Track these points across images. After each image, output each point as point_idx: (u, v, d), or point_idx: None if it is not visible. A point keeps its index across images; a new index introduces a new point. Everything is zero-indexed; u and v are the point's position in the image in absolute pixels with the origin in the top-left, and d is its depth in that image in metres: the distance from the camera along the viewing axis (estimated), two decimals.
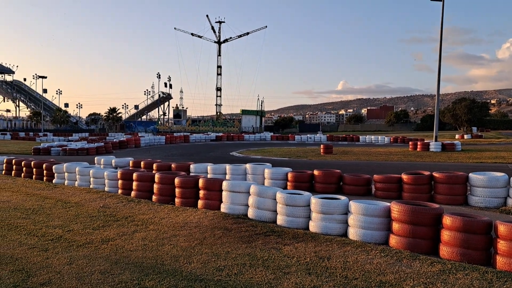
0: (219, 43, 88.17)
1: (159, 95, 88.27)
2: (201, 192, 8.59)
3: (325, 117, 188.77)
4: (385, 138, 42.79)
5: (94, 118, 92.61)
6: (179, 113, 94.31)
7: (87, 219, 7.79)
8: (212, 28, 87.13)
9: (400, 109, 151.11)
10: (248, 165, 11.59)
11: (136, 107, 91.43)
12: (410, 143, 29.88)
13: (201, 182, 8.63)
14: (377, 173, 10.65)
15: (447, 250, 5.33)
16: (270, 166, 11.44)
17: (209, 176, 11.40)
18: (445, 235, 5.39)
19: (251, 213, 7.53)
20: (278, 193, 7.15)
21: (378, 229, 6.09)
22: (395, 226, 5.87)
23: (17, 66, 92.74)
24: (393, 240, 5.83)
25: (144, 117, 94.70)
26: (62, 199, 9.95)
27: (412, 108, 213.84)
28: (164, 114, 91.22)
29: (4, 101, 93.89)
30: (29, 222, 7.65)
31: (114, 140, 35.57)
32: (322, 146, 26.60)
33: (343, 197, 6.85)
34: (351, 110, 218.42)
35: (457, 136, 48.49)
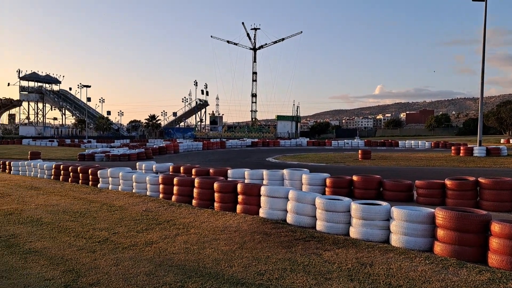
0: (254, 49, 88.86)
1: (196, 102, 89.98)
2: (240, 197, 8.68)
3: (362, 122, 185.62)
4: (426, 143, 41.51)
5: (134, 125, 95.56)
6: (215, 120, 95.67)
7: (131, 222, 8.06)
8: (248, 35, 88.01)
9: (440, 113, 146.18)
10: (285, 171, 11.59)
11: (174, 114, 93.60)
12: (453, 148, 28.81)
13: (239, 187, 8.73)
14: (418, 178, 10.37)
15: (496, 258, 5.11)
16: (307, 172, 11.39)
17: (246, 181, 11.49)
18: (494, 242, 5.17)
19: (290, 218, 7.53)
20: (318, 199, 7.11)
21: (422, 236, 5.94)
22: (440, 233, 5.70)
23: (63, 76, 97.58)
24: (438, 247, 5.66)
25: (181, 123, 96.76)
26: (107, 202, 10.34)
27: (453, 112, 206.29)
28: (201, 120, 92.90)
29: (51, 110, 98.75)
30: (77, 225, 8.01)
31: (154, 146, 36.55)
32: (360, 151, 26.18)
33: (384, 203, 6.73)
34: (389, 115, 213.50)
35: (502, 141, 46.27)
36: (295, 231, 6.85)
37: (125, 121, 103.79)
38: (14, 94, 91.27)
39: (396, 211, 6.19)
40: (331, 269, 5.05)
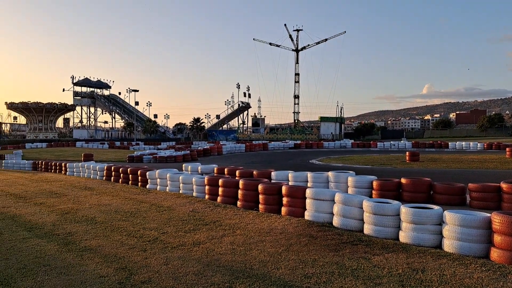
0: (297, 51, 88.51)
1: (239, 104, 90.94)
2: (284, 199, 8.67)
3: (409, 122, 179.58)
4: (478, 144, 39.45)
5: (180, 127, 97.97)
6: (257, 122, 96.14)
7: (179, 222, 8.27)
8: (290, 36, 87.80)
9: (493, 112, 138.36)
10: (330, 173, 11.44)
11: (217, 116, 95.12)
12: (507, 149, 27.17)
13: (284, 189, 8.71)
14: (471, 181, 9.89)
15: None
16: (353, 174, 11.18)
17: (290, 183, 11.45)
18: None
19: (336, 221, 7.43)
20: (365, 202, 6.96)
21: (477, 242, 5.65)
22: (497, 238, 5.40)
23: (113, 81, 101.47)
24: (495, 254, 5.37)
25: (224, 126, 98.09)
26: (155, 203, 10.67)
27: (507, 112, 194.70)
28: (243, 122, 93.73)
29: (102, 114, 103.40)
30: (128, 224, 8.32)
31: (199, 148, 37.30)
32: (407, 153, 25.34)
33: (436, 207, 6.48)
34: (437, 115, 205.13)
35: None
36: (341, 234, 6.74)
37: (171, 124, 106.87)
38: (68, 99, 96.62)
39: (449, 216, 5.93)
40: (381, 274, 4.92)
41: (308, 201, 8.06)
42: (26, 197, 12.77)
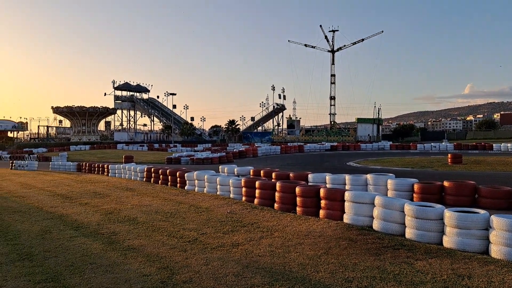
0: (332, 51, 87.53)
1: (274, 106, 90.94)
2: (323, 202, 8.59)
3: (450, 124, 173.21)
4: None
5: (215, 130, 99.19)
6: (292, 123, 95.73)
7: (217, 223, 8.39)
8: (326, 37, 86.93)
9: None
10: (369, 176, 11.23)
11: (252, 118, 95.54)
12: None
13: (322, 192, 8.64)
14: None
15: None
16: (393, 177, 10.92)
17: (327, 186, 11.34)
18: None
19: (376, 225, 7.28)
20: (407, 205, 6.79)
21: None
22: None
23: (151, 85, 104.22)
24: None
25: (259, 128, 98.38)
26: (194, 204, 10.87)
27: None
28: (278, 124, 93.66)
29: (141, 117, 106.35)
30: (169, 225, 8.53)
31: (234, 150, 37.65)
32: (449, 155, 24.45)
33: (482, 211, 6.23)
34: (481, 116, 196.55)
35: None
36: (382, 238, 6.61)
37: (206, 126, 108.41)
38: (109, 103, 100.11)
39: (496, 220, 5.69)
40: (425, 280, 4.79)
41: (347, 204, 7.95)
42: (72, 197, 13.34)
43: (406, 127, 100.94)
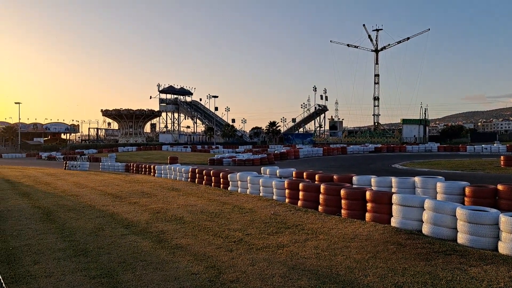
0: (376, 51, 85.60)
1: (315, 107, 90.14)
2: (369, 205, 8.43)
3: (502, 124, 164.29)
4: None
5: (256, 131, 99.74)
6: (335, 125, 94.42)
7: (261, 224, 8.44)
8: (369, 36, 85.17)
9: None
10: (417, 178, 10.88)
11: (293, 120, 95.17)
12: None
13: (368, 194, 8.48)
14: None
15: None
16: (443, 180, 10.51)
17: (373, 188, 11.10)
18: None
19: (426, 229, 7.05)
20: (459, 209, 6.53)
21: None
22: None
23: (194, 88, 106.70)
24: None
25: (300, 129, 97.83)
26: (237, 205, 11.00)
27: None
28: (320, 126, 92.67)
29: (185, 119, 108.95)
30: (214, 225, 8.68)
31: (276, 152, 37.69)
32: (502, 157, 23.19)
33: None
34: None
35: None
36: (433, 243, 6.39)
37: (247, 128, 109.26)
38: (154, 105, 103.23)
39: None
40: (479, 287, 4.58)
41: (394, 207, 7.76)
42: (122, 196, 13.88)
43: (455, 128, 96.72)
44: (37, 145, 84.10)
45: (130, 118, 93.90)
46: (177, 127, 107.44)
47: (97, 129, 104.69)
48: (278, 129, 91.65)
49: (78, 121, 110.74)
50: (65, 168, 33.24)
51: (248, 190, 13.24)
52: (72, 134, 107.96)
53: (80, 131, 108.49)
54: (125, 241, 7.57)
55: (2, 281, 5.33)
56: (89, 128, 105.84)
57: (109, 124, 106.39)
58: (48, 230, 8.80)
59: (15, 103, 79.09)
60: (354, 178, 12.00)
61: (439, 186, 10.07)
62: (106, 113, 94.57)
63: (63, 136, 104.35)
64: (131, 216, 10.17)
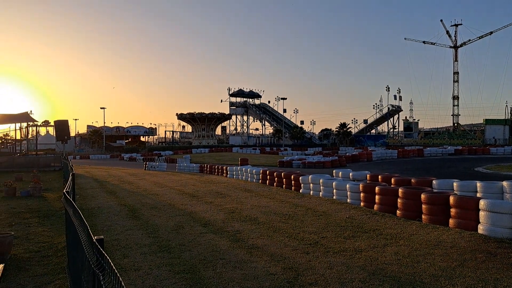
0: (455, 47, 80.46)
1: (388, 108, 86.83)
2: (452, 210, 7.96)
3: None
4: None
5: (325, 133, 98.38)
6: (410, 126, 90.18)
7: (337, 228, 8.33)
8: (447, 32, 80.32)
9: None
10: (505, 183, 10.03)
11: (365, 121, 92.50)
12: None
13: (452, 199, 8.01)
14: None
15: None
16: None
17: (455, 193, 10.44)
18: None
19: None
20: None
21: None
22: None
23: (263, 91, 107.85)
24: None
25: (372, 131, 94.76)
26: (311, 207, 10.95)
27: None
28: (393, 127, 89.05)
29: (254, 121, 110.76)
30: (288, 226, 8.73)
31: (347, 154, 36.86)
32: None
33: None
34: None
35: None
36: None
37: (316, 130, 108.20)
38: (225, 109, 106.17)
39: None
40: None
41: (482, 213, 7.24)
42: (198, 196, 14.47)
43: None
44: (119, 147, 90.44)
45: (203, 121, 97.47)
46: (246, 130, 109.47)
47: (173, 131, 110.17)
48: (348, 130, 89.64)
49: (155, 124, 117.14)
50: (145, 169, 35.36)
51: (320, 193, 13.12)
52: (150, 136, 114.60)
53: (157, 133, 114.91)
54: (204, 239, 7.89)
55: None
56: (165, 131, 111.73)
57: (183, 127, 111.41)
58: (134, 226, 9.44)
59: (100, 108, 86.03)
60: (434, 182, 11.39)
61: None
62: (181, 116, 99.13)
63: (142, 139, 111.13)
64: (208, 215, 10.56)
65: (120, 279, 1.89)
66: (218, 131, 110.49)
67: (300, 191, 14.45)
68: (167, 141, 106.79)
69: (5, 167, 29.71)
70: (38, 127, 42.91)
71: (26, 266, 6.59)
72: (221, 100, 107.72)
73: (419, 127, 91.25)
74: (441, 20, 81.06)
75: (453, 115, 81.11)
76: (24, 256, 7.14)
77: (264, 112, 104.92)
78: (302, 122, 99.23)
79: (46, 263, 6.73)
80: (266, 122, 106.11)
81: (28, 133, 38.81)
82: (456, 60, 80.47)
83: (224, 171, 24.62)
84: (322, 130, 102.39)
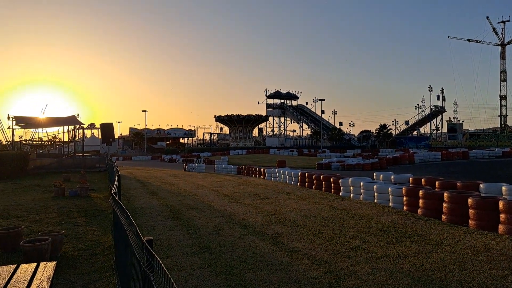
0: (502, 45, 76.80)
1: (431, 109, 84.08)
2: (502, 216, 7.61)
3: None
4: None
5: (365, 135, 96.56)
6: (454, 127, 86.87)
7: (379, 232, 8.15)
8: (494, 30, 76.90)
9: None
10: None
11: (406, 122, 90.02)
12: None
13: (502, 204, 7.65)
14: None
15: None
16: None
17: (505, 198, 9.94)
18: None
19: None
20: None
21: None
22: None
23: (300, 92, 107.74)
24: None
25: (414, 132, 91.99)
26: (351, 211, 10.78)
27: None
28: (436, 128, 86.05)
29: (291, 123, 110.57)
30: (328, 230, 8.64)
31: (388, 156, 36.03)
32: None
33: None
34: None
35: None
36: None
37: (355, 131, 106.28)
38: (262, 110, 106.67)
39: None
40: None
41: None
42: (237, 197, 14.60)
43: None
44: (160, 149, 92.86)
45: (240, 123, 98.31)
46: (283, 131, 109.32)
47: (211, 133, 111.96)
48: (389, 132, 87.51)
49: (194, 126, 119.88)
50: (184, 170, 36.09)
51: (361, 196, 12.90)
52: (189, 138, 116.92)
53: (196, 135, 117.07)
54: (244, 241, 7.95)
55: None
56: (203, 133, 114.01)
57: (221, 129, 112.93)
58: (176, 226, 9.66)
59: (142, 111, 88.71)
60: (481, 186, 10.92)
61: None
62: (218, 118, 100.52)
63: (181, 140, 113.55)
64: (247, 217, 10.63)
65: (172, 280, 1.95)
66: (255, 132, 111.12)
67: (340, 194, 14.26)
68: (206, 142, 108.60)
69: (55, 167, 31.26)
70: (84, 130, 44.76)
71: (76, 263, 6.90)
72: (258, 102, 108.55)
73: (463, 128, 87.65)
74: (487, 17, 77.90)
75: (500, 115, 77.44)
76: (74, 254, 7.48)
77: (302, 114, 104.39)
78: (340, 124, 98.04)
79: (94, 261, 7.02)
80: (303, 123, 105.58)
81: (75, 135, 40.58)
82: (503, 58, 76.84)
83: (262, 173, 24.70)
84: (362, 132, 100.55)
